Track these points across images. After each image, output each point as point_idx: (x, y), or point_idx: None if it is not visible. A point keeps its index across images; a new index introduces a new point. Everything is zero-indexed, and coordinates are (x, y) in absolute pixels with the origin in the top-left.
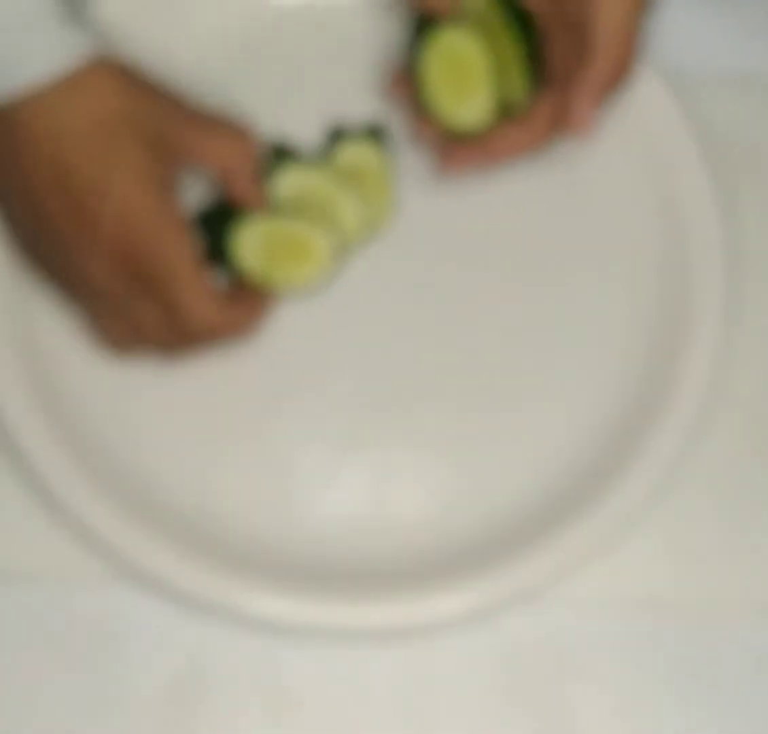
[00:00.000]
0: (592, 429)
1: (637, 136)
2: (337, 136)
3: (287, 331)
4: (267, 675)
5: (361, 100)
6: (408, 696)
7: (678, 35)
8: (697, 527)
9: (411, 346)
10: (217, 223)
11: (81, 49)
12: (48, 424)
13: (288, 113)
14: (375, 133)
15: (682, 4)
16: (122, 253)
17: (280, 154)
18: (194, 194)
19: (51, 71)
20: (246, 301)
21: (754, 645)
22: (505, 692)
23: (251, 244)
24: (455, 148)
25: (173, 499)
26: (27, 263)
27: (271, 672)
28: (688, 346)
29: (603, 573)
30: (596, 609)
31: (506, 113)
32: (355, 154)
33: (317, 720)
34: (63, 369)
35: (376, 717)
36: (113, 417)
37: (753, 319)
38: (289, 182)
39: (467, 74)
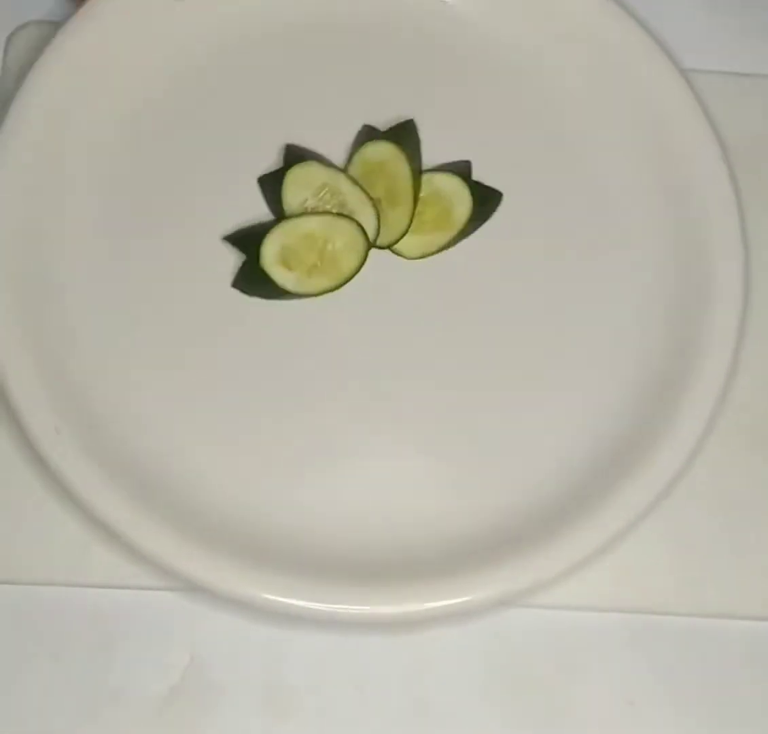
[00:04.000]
0: (601, 430)
1: (654, 129)
2: (362, 137)
3: (299, 328)
4: (269, 675)
5: (381, 103)
6: (408, 696)
7: (678, 34)
8: (697, 527)
9: (421, 342)
10: (250, 243)
11: None
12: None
13: (305, 118)
14: (399, 133)
15: (682, 3)
16: None
17: (295, 158)
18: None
19: None
20: None
21: (754, 645)
22: (505, 691)
23: (274, 254)
24: None
25: (180, 489)
26: None
27: (273, 672)
28: (705, 346)
29: (603, 573)
30: (596, 609)
31: None
32: (379, 154)
33: (319, 719)
34: (70, 349)
35: (376, 717)
36: (126, 410)
37: (756, 318)
38: (308, 183)
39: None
